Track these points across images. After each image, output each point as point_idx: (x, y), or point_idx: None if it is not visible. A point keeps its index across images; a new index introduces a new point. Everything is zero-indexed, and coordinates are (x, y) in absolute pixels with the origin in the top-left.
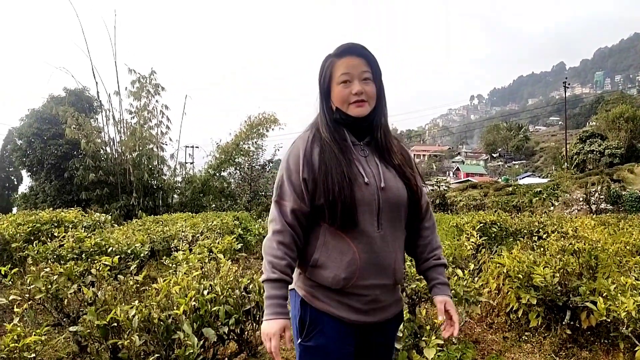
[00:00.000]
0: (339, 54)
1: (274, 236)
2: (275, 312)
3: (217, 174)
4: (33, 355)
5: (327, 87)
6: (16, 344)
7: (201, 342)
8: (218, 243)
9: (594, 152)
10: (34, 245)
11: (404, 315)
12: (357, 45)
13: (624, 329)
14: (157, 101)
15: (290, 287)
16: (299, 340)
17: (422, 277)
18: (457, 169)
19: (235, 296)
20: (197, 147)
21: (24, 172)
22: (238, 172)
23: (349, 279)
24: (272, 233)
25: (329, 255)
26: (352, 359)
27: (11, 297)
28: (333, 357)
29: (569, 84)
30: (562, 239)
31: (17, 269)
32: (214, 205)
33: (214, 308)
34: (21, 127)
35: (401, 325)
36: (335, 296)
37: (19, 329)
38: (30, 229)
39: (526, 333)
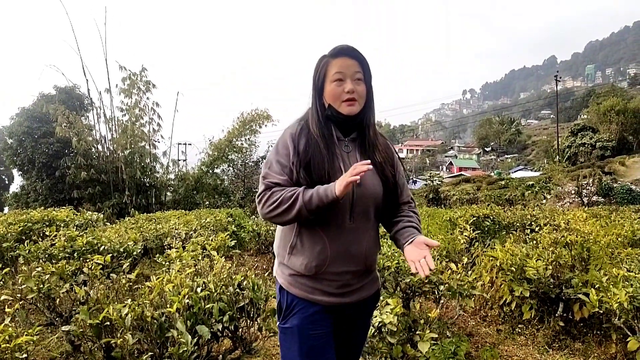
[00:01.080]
0: (334, 54)
1: (267, 193)
2: (323, 186)
3: (210, 171)
4: (25, 355)
5: (320, 85)
6: (8, 345)
7: (195, 340)
8: (211, 240)
9: (586, 145)
10: (26, 245)
11: (399, 310)
12: (351, 47)
13: (616, 320)
14: (148, 98)
15: (273, 273)
16: (278, 324)
17: (414, 273)
18: (450, 163)
19: (229, 293)
20: (190, 145)
21: (15, 171)
22: (231, 168)
23: (319, 266)
24: (263, 198)
25: (302, 244)
26: (328, 339)
27: (2, 297)
28: (305, 335)
29: (560, 78)
30: (555, 231)
31: (8, 268)
32: (207, 203)
33: (208, 305)
34: (11, 126)
35: (395, 320)
36: (309, 282)
37: (10, 329)
38: (21, 228)
39: (519, 325)
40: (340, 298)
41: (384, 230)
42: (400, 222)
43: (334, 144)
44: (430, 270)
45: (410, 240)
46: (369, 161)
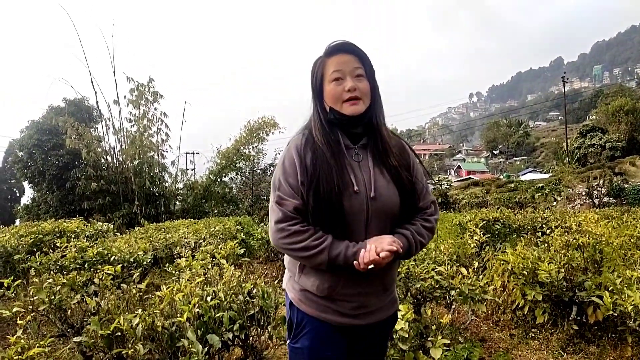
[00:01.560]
0: (330, 52)
1: (289, 227)
2: (355, 246)
3: (219, 180)
4: None
5: (319, 87)
6: (20, 356)
7: (206, 349)
8: (221, 249)
9: (595, 146)
10: (37, 257)
11: (410, 315)
12: (346, 42)
13: (631, 322)
14: (155, 109)
15: (283, 285)
16: (288, 342)
17: (423, 276)
18: (459, 167)
19: (238, 302)
20: (198, 153)
21: (25, 184)
22: (239, 177)
23: (332, 287)
24: (284, 230)
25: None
26: (341, 358)
27: (14, 309)
28: (318, 356)
29: (567, 79)
30: (566, 234)
31: (20, 280)
32: (216, 211)
33: (218, 314)
34: (22, 139)
35: (406, 326)
36: (321, 301)
37: (22, 340)
38: (32, 240)
39: (533, 330)
40: (354, 319)
41: None
42: (399, 227)
43: (341, 152)
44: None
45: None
46: (393, 248)
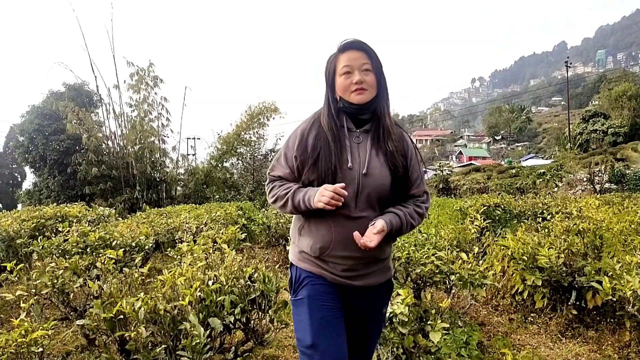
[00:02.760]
0: (342, 49)
1: (271, 186)
2: (310, 191)
3: (220, 165)
4: (41, 349)
5: (331, 80)
6: (24, 339)
7: (207, 332)
8: (222, 233)
9: (597, 132)
10: (39, 241)
11: (410, 300)
12: (357, 40)
13: (630, 307)
14: (156, 93)
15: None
16: (291, 298)
17: (424, 261)
18: (460, 152)
19: (240, 286)
20: (199, 139)
21: (27, 169)
22: (240, 162)
23: (323, 248)
24: (269, 188)
25: (310, 228)
26: (339, 313)
27: (18, 293)
28: (316, 305)
29: (570, 64)
30: (567, 219)
31: (22, 264)
32: (217, 196)
33: (219, 298)
34: (22, 124)
35: (406, 310)
36: (315, 260)
37: (26, 324)
38: (34, 224)
39: (532, 314)
40: (346, 280)
41: None
42: (392, 207)
43: (343, 135)
44: (368, 245)
45: (373, 223)
46: (343, 184)
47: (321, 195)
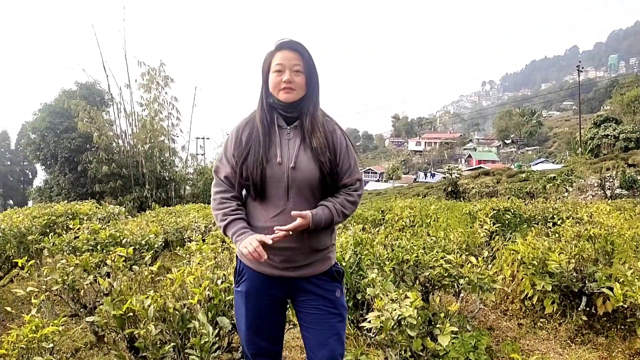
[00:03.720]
0: (277, 47)
1: (216, 195)
2: (244, 233)
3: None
4: (51, 345)
5: (266, 75)
6: (35, 335)
7: (216, 331)
8: None
9: (609, 137)
10: (50, 238)
11: (418, 303)
12: (292, 41)
13: None
14: (166, 93)
15: None
16: (234, 286)
17: (432, 264)
18: (469, 156)
19: None
20: (208, 139)
21: (38, 166)
22: None
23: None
24: (214, 193)
25: (248, 221)
26: (275, 305)
27: (29, 289)
28: (253, 299)
29: (582, 68)
30: (577, 224)
31: (33, 261)
32: None
33: (228, 297)
34: (34, 122)
35: (414, 313)
36: None
37: (37, 319)
38: (45, 221)
39: (541, 320)
40: (284, 271)
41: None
42: (323, 200)
43: (274, 131)
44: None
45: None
46: (270, 240)
47: (245, 245)
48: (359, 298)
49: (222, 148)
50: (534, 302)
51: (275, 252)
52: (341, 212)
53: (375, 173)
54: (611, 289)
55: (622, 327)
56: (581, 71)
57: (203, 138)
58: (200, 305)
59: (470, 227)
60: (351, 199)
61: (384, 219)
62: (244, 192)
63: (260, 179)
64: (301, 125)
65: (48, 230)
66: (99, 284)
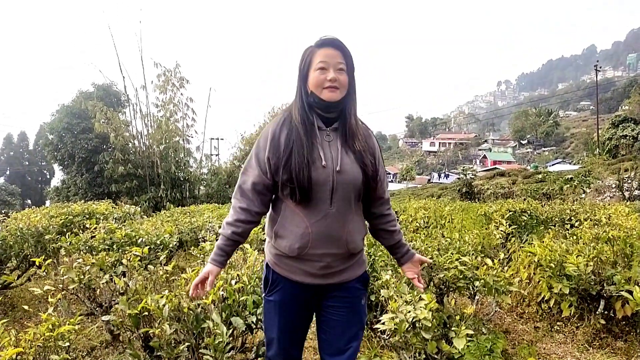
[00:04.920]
0: (319, 44)
1: (236, 201)
2: (214, 259)
3: (242, 165)
4: (67, 343)
5: (305, 73)
6: (51, 333)
7: (230, 331)
8: None
9: (627, 137)
10: (67, 237)
11: (433, 305)
12: (336, 39)
13: None
14: (182, 94)
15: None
16: (264, 294)
17: (447, 266)
18: (484, 156)
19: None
20: (222, 139)
21: (55, 166)
22: None
23: (302, 247)
24: (235, 198)
25: (286, 227)
26: (306, 318)
27: (46, 288)
28: (285, 310)
29: (600, 67)
30: (596, 226)
31: (50, 260)
32: None
33: (242, 298)
34: (52, 122)
35: (429, 315)
36: (292, 263)
37: (53, 318)
38: (62, 221)
39: (558, 323)
40: (322, 279)
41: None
42: (392, 234)
43: (314, 133)
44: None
45: (407, 257)
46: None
47: (202, 271)
48: (373, 300)
49: (253, 150)
50: (551, 305)
51: (314, 259)
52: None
53: (389, 174)
54: (630, 292)
55: None
56: (599, 70)
57: (217, 139)
58: (214, 305)
59: (486, 229)
60: (398, 228)
61: (397, 220)
62: (275, 196)
63: (307, 183)
64: (343, 127)
65: (65, 230)
66: (115, 283)
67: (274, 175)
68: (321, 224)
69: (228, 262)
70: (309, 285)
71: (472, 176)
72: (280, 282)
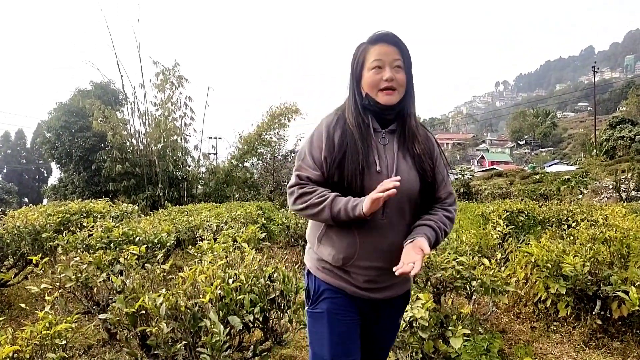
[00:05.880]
0: (373, 40)
1: (297, 189)
2: (358, 200)
3: (240, 165)
4: (64, 342)
5: (359, 73)
6: (48, 331)
7: (227, 330)
8: (242, 232)
9: (624, 139)
10: (64, 235)
11: (430, 304)
12: (390, 33)
13: None
14: (180, 93)
15: (305, 258)
16: (307, 308)
17: (444, 266)
18: (482, 157)
19: (259, 285)
20: (220, 138)
21: (53, 165)
22: (260, 162)
23: (347, 258)
24: (295, 189)
25: (331, 235)
26: (356, 328)
27: (43, 286)
28: (336, 320)
29: (598, 69)
30: (592, 227)
31: (48, 258)
32: (237, 196)
33: (239, 296)
34: (50, 121)
35: (426, 315)
36: (336, 270)
37: (50, 316)
38: (60, 219)
39: (555, 323)
40: (366, 292)
41: None
42: (421, 219)
43: (370, 135)
44: (410, 274)
45: (411, 240)
46: (398, 177)
47: (370, 198)
48: None
49: (306, 146)
50: (548, 305)
51: (360, 272)
52: (444, 231)
53: None
54: (627, 292)
55: (638, 331)
56: (596, 72)
57: (215, 138)
58: (211, 304)
59: (483, 229)
60: (449, 215)
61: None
62: None
63: (359, 190)
64: (401, 129)
65: (62, 228)
66: (112, 282)
67: (327, 177)
68: (370, 235)
69: (226, 261)
70: (354, 296)
71: (470, 176)
72: (326, 290)
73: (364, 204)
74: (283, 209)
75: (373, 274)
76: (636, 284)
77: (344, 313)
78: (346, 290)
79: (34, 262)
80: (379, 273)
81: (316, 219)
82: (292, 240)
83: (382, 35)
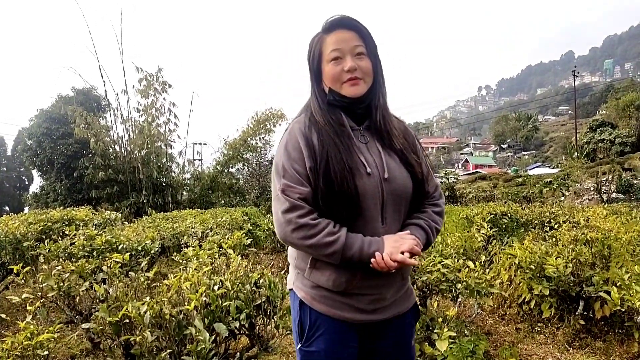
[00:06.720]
0: (327, 28)
1: (298, 219)
2: (373, 240)
3: (226, 170)
4: (46, 352)
5: (317, 67)
6: (30, 342)
7: (213, 337)
8: (228, 239)
9: (605, 141)
10: (46, 244)
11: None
12: (346, 17)
13: (638, 318)
14: (164, 99)
15: (288, 286)
16: (299, 346)
17: (430, 269)
18: (466, 160)
19: (245, 291)
20: (205, 144)
21: (34, 172)
22: (246, 168)
23: (350, 280)
24: (294, 219)
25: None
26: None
27: (24, 296)
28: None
29: (578, 73)
30: (574, 228)
31: (29, 267)
32: (222, 202)
33: (225, 303)
34: (31, 127)
35: None
36: (337, 297)
37: (32, 326)
38: (41, 227)
39: (539, 324)
40: (372, 315)
41: None
42: (410, 218)
43: (346, 133)
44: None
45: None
46: (415, 249)
47: (393, 247)
48: None
49: (283, 159)
50: (532, 307)
51: (364, 291)
52: (435, 229)
53: None
54: (608, 292)
55: (620, 331)
56: (577, 76)
57: (200, 143)
58: (196, 311)
59: (468, 232)
60: (439, 210)
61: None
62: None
63: (354, 195)
64: (375, 124)
65: (44, 237)
66: (95, 291)
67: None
68: None
69: (211, 267)
70: (355, 324)
71: (454, 180)
72: (323, 324)
73: (388, 250)
74: (269, 215)
75: (377, 292)
76: (618, 284)
77: (343, 350)
78: (348, 320)
79: (15, 271)
80: (383, 289)
81: (316, 254)
82: (279, 245)
83: (337, 20)
